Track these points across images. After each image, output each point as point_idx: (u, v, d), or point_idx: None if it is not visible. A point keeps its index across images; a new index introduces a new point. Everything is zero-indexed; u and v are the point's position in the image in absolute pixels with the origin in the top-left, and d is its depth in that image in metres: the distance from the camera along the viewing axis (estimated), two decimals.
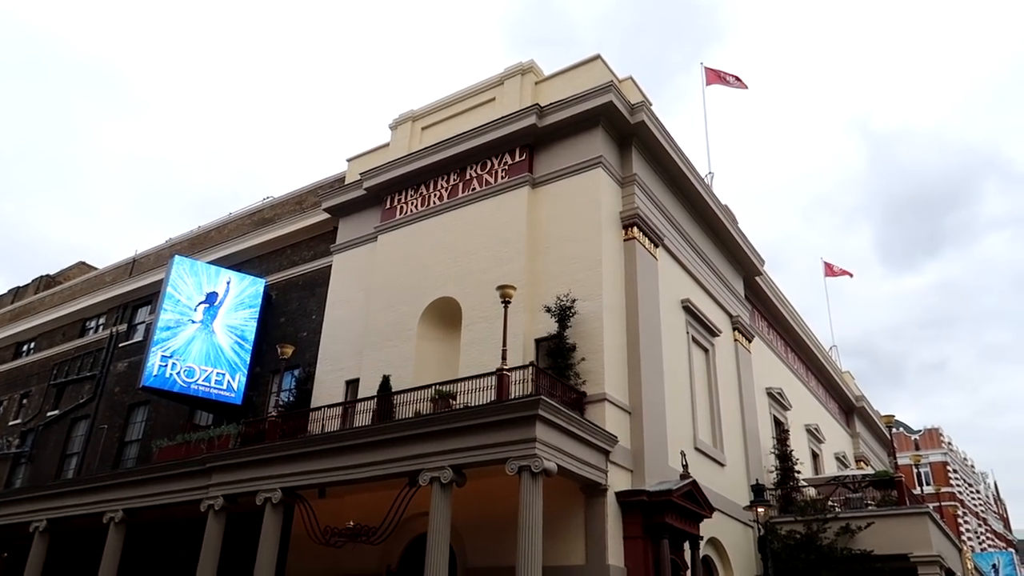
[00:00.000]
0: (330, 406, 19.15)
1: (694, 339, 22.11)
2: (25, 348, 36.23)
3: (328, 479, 16.70)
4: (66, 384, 31.87)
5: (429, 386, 17.03)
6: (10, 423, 33.36)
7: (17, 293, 41.93)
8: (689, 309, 21.90)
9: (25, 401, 33.64)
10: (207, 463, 18.88)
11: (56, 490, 23.07)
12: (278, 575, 18.26)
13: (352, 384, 21.11)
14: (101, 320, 32.88)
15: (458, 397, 16.37)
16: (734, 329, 25.22)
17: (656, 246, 20.56)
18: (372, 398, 18.50)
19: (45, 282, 40.88)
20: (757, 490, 16.08)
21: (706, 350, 22.85)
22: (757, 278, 27.55)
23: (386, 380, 19.25)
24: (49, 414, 31.63)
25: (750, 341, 26.24)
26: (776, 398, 28.02)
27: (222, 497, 18.25)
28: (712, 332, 23.13)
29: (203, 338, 24.66)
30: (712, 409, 22.24)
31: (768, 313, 29.83)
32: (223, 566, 18.87)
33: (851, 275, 41.67)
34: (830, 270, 41.41)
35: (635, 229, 19.59)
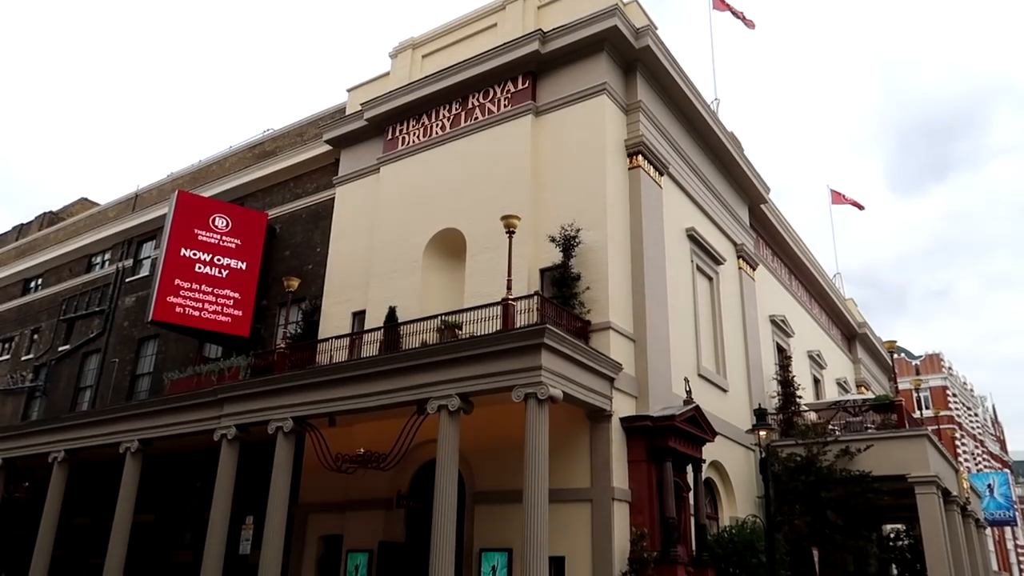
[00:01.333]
0: (337, 337, 19.37)
1: (698, 267, 22.15)
2: (33, 284, 36.47)
3: (337, 408, 17.03)
4: (75, 319, 32.21)
5: (435, 316, 17.18)
6: (23, 358, 33.87)
7: (21, 230, 41.96)
8: (694, 238, 21.86)
9: (36, 336, 34.06)
10: (218, 394, 19.24)
11: (72, 421, 23.61)
12: (292, 501, 18.82)
13: (358, 316, 21.29)
14: (107, 256, 32.99)
15: (464, 327, 16.52)
16: (738, 257, 25.22)
17: (661, 175, 20.39)
18: (379, 329, 18.68)
19: (49, 219, 40.86)
20: (759, 414, 16.40)
21: (710, 278, 22.91)
22: (762, 206, 27.40)
23: (392, 311, 19.38)
24: (60, 349, 32.07)
25: (754, 269, 26.27)
26: (779, 325, 28.22)
27: (234, 427, 18.66)
28: (716, 260, 23.14)
29: (209, 272, 24.76)
30: (716, 336, 22.45)
31: (772, 241, 29.78)
32: (238, 493, 19.45)
33: (861, 207, 41.28)
34: (838, 197, 41.04)
35: (640, 157, 19.39)
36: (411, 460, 17.50)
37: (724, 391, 21.98)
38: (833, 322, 37.70)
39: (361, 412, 16.95)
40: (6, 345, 35.50)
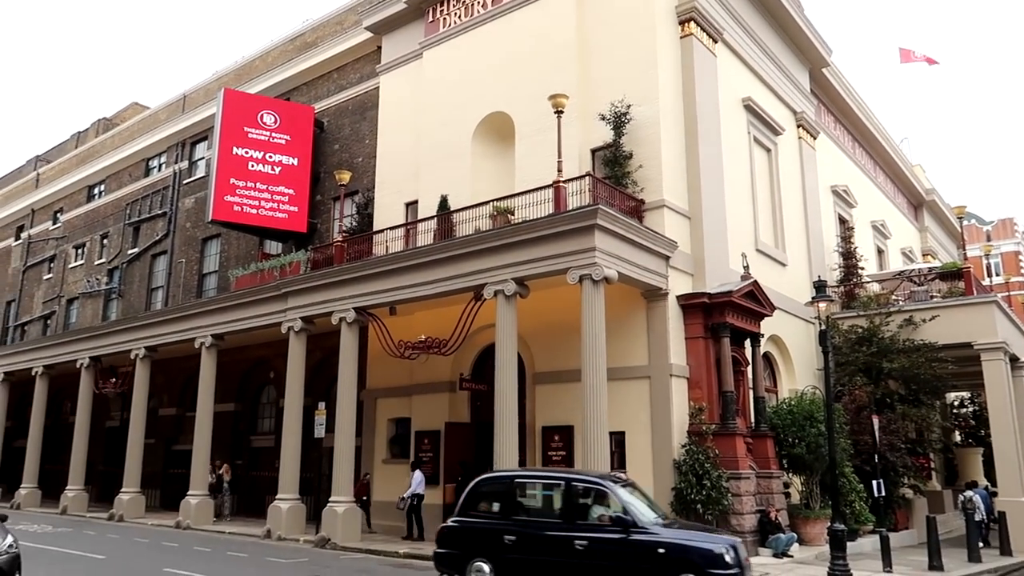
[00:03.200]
0: (392, 228, 19.57)
1: (756, 139, 21.35)
2: (96, 191, 37.50)
3: (396, 297, 17.43)
4: (140, 222, 33.22)
5: (487, 203, 17.13)
6: (96, 263, 35.32)
7: (79, 138, 42.78)
8: (751, 108, 20.96)
9: (106, 241, 35.34)
10: (282, 288, 19.85)
11: (150, 320, 24.81)
12: (360, 387, 19.67)
13: (411, 206, 21.38)
14: (163, 159, 33.53)
15: (516, 212, 16.46)
16: (798, 126, 24.17)
17: (715, 42, 19.38)
18: (432, 217, 18.78)
19: (103, 125, 41.45)
20: (819, 287, 16.11)
21: (768, 149, 22.11)
22: (823, 70, 25.92)
23: (444, 200, 19.41)
24: (130, 252, 33.29)
25: (815, 138, 25.21)
26: (841, 195, 27.31)
27: (299, 319, 19.33)
28: (775, 131, 22.24)
29: (262, 170, 24.99)
30: (774, 210, 21.88)
31: (835, 107, 28.35)
32: (310, 382, 20.41)
33: (934, 61, 38.55)
34: (906, 55, 38.43)
35: (692, 24, 18.40)
36: (471, 344, 17.94)
37: (783, 265, 21.63)
38: (899, 190, 36.27)
39: (419, 300, 17.32)
40: (79, 251, 36.99)
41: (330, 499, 17.80)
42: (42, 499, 28.02)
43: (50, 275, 38.36)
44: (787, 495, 17.84)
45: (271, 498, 19.68)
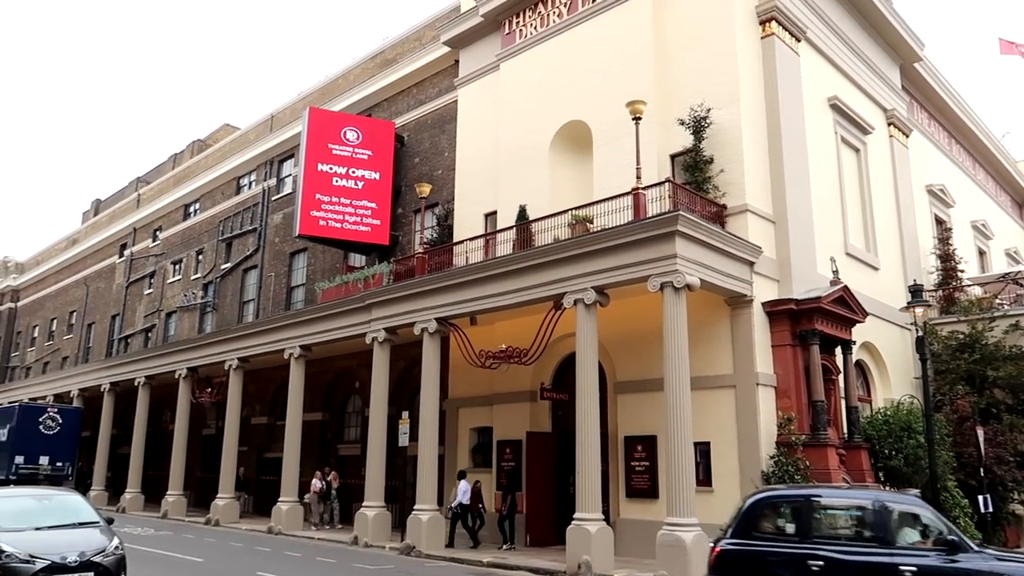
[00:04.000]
0: (472, 239, 19.78)
1: (843, 139, 20.60)
2: (192, 209, 39.35)
3: (476, 307, 17.58)
4: (232, 238, 34.65)
5: (566, 211, 17.10)
6: (192, 277, 37.03)
7: (176, 159, 45.02)
8: (837, 107, 20.25)
9: (201, 257, 37.02)
10: (366, 300, 20.32)
11: (242, 332, 25.81)
12: (442, 397, 19.90)
13: (490, 216, 21.56)
14: (252, 176, 34.92)
15: (595, 220, 16.37)
16: (889, 124, 23.20)
17: (798, 40, 18.84)
18: (511, 228, 18.88)
19: (198, 146, 43.50)
20: (915, 291, 15.38)
21: (857, 150, 21.30)
22: (916, 65, 24.81)
23: (523, 210, 19.49)
24: (223, 267, 34.76)
25: (907, 136, 24.14)
26: (937, 195, 26.04)
27: (383, 329, 19.73)
28: (863, 130, 21.41)
29: (346, 185, 25.69)
30: (865, 212, 21.04)
31: (929, 103, 27.09)
32: (393, 392, 20.77)
33: None
34: (1007, 47, 36.43)
35: (773, 24, 17.95)
36: (552, 354, 17.91)
37: (875, 269, 20.76)
38: (1001, 188, 34.33)
39: (499, 310, 17.41)
40: (176, 267, 38.87)
41: (414, 507, 18.03)
42: (144, 503, 29.44)
43: (150, 290, 40.43)
44: None
45: (357, 505, 20.09)
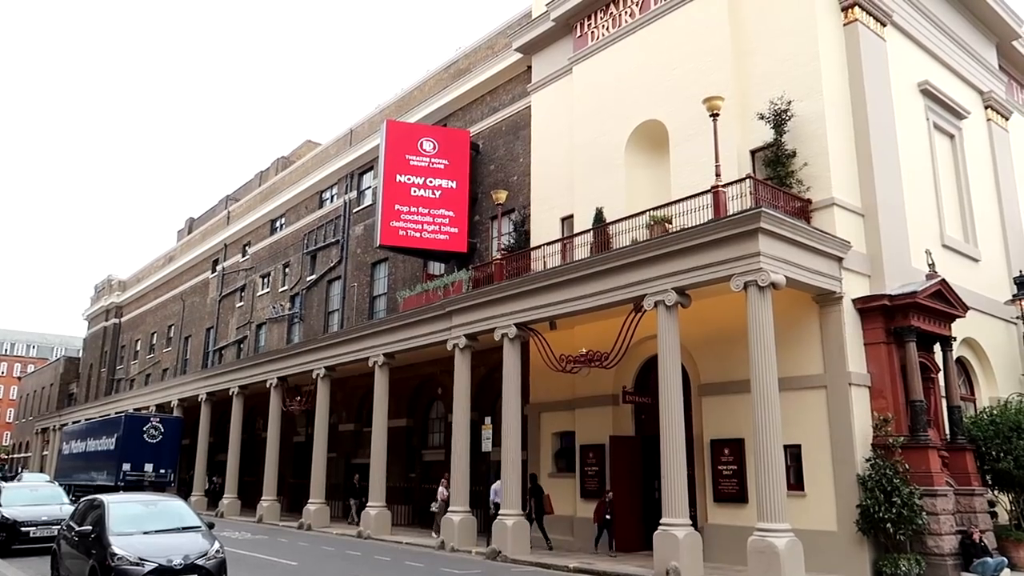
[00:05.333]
0: (549, 243, 19.77)
1: (936, 125, 19.64)
2: (278, 224, 40.80)
3: (555, 312, 17.53)
4: (317, 251, 35.73)
5: (643, 213, 16.90)
6: (280, 290, 38.35)
7: (262, 176, 46.78)
8: (928, 92, 19.33)
9: (287, 270, 38.31)
10: (446, 307, 20.56)
11: (328, 341, 26.53)
12: (524, 402, 19.93)
13: (567, 220, 21.50)
14: (334, 190, 35.93)
15: (674, 220, 16.12)
16: (986, 107, 21.99)
17: (883, 25, 18.08)
18: (588, 231, 18.78)
19: (282, 163, 45.10)
20: (1021, 283, 14.49)
21: (951, 136, 20.27)
22: (1014, 43, 23.42)
23: (599, 212, 19.37)
24: (308, 279, 35.86)
25: (1007, 119, 22.82)
26: None
27: (463, 336, 19.91)
28: (958, 114, 20.36)
29: (424, 194, 26.11)
30: (962, 201, 19.99)
31: None
32: (476, 397, 20.92)
33: None
34: None
35: (856, 9, 17.28)
36: (633, 357, 17.70)
37: (975, 261, 19.68)
38: None
39: (578, 313, 17.32)
40: (265, 280, 40.34)
41: (500, 512, 18.10)
42: (241, 508, 30.58)
43: (241, 303, 42.08)
44: (993, 515, 16.10)
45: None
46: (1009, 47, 23.42)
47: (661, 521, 14.36)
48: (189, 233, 54.37)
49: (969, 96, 21.28)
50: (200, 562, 10.53)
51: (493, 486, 20.12)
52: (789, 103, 16.37)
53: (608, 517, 17.57)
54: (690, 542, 13.99)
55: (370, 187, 32.60)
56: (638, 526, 17.89)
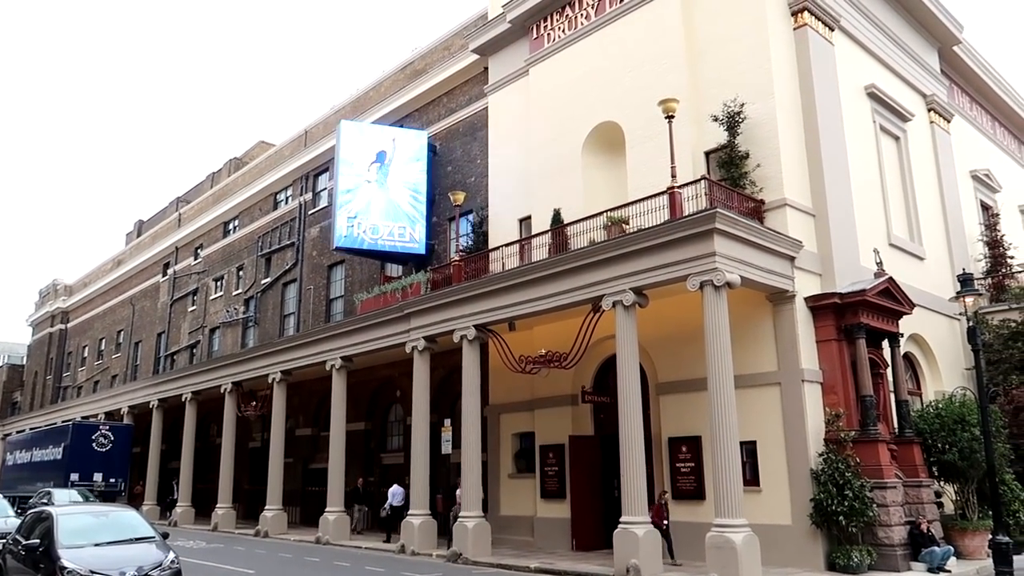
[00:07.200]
0: (507, 244, 19.80)
1: (882, 127, 20.19)
2: (231, 226, 40.04)
3: (514, 312, 17.56)
4: (271, 254, 35.17)
5: (600, 213, 17.03)
6: (233, 293, 37.66)
7: (214, 177, 45.87)
8: (875, 95, 19.86)
9: (241, 273, 37.63)
10: (404, 309, 20.44)
11: (283, 345, 26.14)
12: (483, 404, 19.92)
13: (525, 221, 21.54)
14: (288, 192, 35.41)
15: (631, 221, 16.28)
16: (929, 110, 22.68)
17: (831, 30, 18.53)
18: (546, 232, 18.85)
19: (235, 164, 44.26)
20: (964, 279, 14.95)
21: (897, 138, 20.86)
22: (955, 48, 24.22)
23: (557, 213, 19.47)
24: (263, 282, 35.28)
25: (948, 121, 23.57)
26: (982, 180, 25.38)
27: (422, 338, 19.82)
28: (903, 117, 20.96)
29: (380, 196, 25.91)
30: (907, 201, 20.59)
31: (970, 86, 26.42)
32: (434, 400, 20.83)
33: None
34: None
35: (805, 14, 17.68)
36: (592, 357, 17.82)
37: (920, 259, 20.29)
38: None
39: (537, 314, 17.38)
40: (218, 283, 39.57)
41: (460, 514, 18.05)
42: (195, 516, 29.94)
43: (194, 307, 41.21)
44: (939, 505, 16.62)
45: (403, 513, 20.17)
46: (951, 52, 24.21)
47: (621, 519, 14.49)
48: (138, 236, 53.04)
49: (913, 99, 21.92)
50: (154, 573, 10.27)
51: (390, 490, 22.27)
52: (742, 106, 16.66)
53: (666, 524, 15.31)
54: (650, 539, 14.15)
55: (326, 189, 32.22)
56: (598, 525, 18.02)
